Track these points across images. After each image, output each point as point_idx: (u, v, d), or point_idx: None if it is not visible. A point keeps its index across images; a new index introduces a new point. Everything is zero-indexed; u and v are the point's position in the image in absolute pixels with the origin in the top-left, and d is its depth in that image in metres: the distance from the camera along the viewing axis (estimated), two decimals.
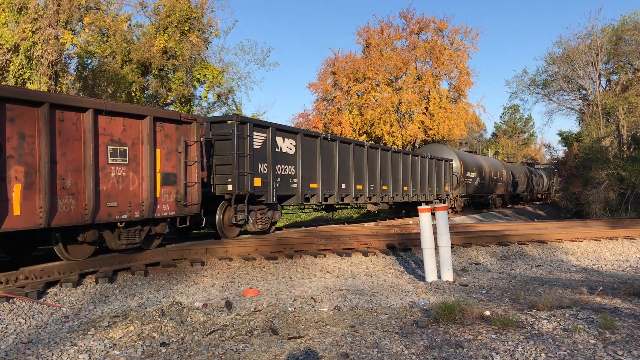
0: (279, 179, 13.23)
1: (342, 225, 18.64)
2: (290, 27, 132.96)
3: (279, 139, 13.28)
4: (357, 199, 17.21)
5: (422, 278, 8.75)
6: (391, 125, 35.55)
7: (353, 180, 16.68)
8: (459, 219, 24.79)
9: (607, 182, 30.30)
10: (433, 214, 8.70)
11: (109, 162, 8.83)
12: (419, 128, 36.35)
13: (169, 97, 24.60)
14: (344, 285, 8.11)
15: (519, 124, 74.98)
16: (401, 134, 35.95)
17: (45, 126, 7.71)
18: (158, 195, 9.70)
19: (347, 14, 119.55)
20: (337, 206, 18.08)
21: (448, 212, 26.84)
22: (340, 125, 36.20)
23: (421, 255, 9.09)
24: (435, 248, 8.56)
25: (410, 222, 19.90)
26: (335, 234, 13.61)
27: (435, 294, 7.39)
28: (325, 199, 15.39)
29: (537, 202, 45.32)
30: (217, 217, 11.99)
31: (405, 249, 11.18)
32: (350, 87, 37.14)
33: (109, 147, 8.83)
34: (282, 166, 13.40)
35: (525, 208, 39.10)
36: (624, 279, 8.65)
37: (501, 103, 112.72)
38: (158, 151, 9.73)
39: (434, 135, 36.82)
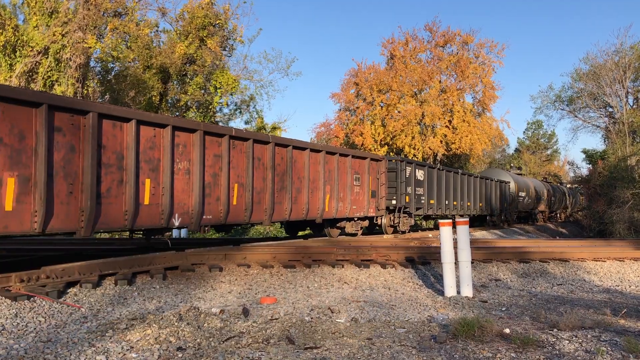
0: (415, 197, 19.62)
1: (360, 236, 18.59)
2: (315, 36, 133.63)
3: (416, 171, 19.81)
4: (451, 211, 23.14)
5: (440, 292, 8.66)
6: (413, 138, 35.42)
7: (452, 198, 23.18)
8: (480, 234, 24.55)
9: (632, 202, 29.72)
10: (454, 228, 8.61)
11: (354, 184, 15.90)
12: (441, 141, 36.15)
13: (183, 102, 24.77)
14: (362, 297, 8.06)
15: (542, 140, 74.08)
16: (422, 147, 35.79)
17: (337, 163, 15.10)
18: (369, 203, 16.73)
19: (371, 26, 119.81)
20: (434, 216, 23.63)
21: (501, 224, 29.56)
22: (362, 135, 36.17)
23: (440, 270, 8.99)
24: (455, 263, 8.47)
25: (430, 235, 19.75)
26: (354, 244, 13.55)
27: (454, 309, 7.30)
28: (437, 211, 21.76)
29: (560, 220, 44.81)
30: (383, 220, 18.41)
31: (424, 263, 11.07)
32: (374, 98, 37.11)
33: (354, 175, 15.90)
34: (417, 188, 19.84)
35: (547, 225, 38.58)
36: None
37: (525, 118, 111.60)
38: (370, 177, 16.79)
39: (456, 149, 36.57)
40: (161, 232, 10.23)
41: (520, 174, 40.02)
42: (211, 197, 10.74)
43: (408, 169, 19.02)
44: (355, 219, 16.31)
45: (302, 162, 13.60)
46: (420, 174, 20.09)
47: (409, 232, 20.03)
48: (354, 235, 16.71)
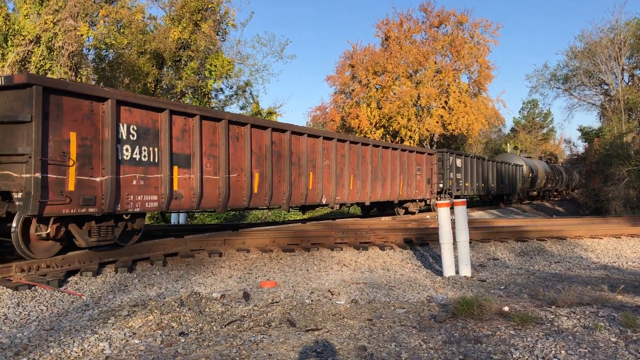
0: (456, 181, 23.88)
1: (358, 219, 18.69)
2: (309, 20, 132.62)
3: (456, 159, 24.20)
4: (480, 192, 27.70)
5: (439, 273, 8.72)
6: (409, 119, 35.32)
7: (480, 181, 27.29)
8: (477, 214, 24.69)
9: (627, 179, 29.82)
10: (452, 209, 8.65)
11: (416, 173, 20.21)
12: (437, 122, 36.06)
13: (179, 88, 24.56)
14: (361, 279, 8.11)
15: (537, 119, 73.97)
16: (419, 128, 35.71)
17: (407, 158, 19.52)
18: (426, 188, 21.19)
19: (365, 7, 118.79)
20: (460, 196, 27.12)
21: (519, 202, 33.72)
22: (357, 118, 36.04)
23: (439, 250, 9.05)
24: (453, 243, 8.52)
25: (428, 216, 19.83)
26: (352, 227, 13.60)
27: (453, 289, 7.36)
28: (470, 192, 25.98)
29: (556, 199, 44.98)
30: (433, 201, 21.83)
31: (422, 244, 11.14)
32: (369, 80, 36.90)
33: (416, 167, 20.22)
34: (457, 174, 24.15)
35: (543, 204, 38.74)
36: None
37: (520, 97, 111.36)
38: (426, 167, 21.16)
39: (453, 130, 36.51)
40: (313, 208, 14.98)
41: (529, 157, 43.11)
42: (339, 184, 14.95)
43: (451, 159, 23.45)
44: (417, 200, 20.76)
45: (387, 158, 17.84)
46: (459, 162, 24.35)
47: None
48: (413, 213, 20.89)
